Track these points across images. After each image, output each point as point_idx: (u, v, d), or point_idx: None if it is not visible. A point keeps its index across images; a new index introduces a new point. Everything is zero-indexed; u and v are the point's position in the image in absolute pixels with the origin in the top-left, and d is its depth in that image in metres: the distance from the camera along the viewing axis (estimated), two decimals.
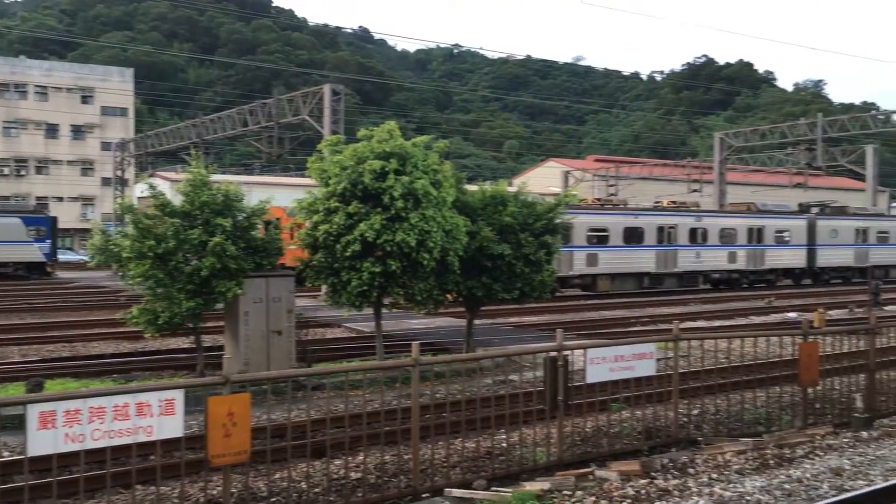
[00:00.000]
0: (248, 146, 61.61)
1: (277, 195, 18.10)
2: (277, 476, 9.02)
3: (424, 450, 9.05)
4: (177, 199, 14.06)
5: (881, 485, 8.26)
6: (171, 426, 6.83)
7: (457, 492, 8.50)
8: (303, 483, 8.74)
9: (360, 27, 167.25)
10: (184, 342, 18.63)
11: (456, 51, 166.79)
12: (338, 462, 9.42)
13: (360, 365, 13.29)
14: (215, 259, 13.06)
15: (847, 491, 8.10)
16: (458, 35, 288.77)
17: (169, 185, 31.34)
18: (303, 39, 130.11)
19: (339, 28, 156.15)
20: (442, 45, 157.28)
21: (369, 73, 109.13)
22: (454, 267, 14.50)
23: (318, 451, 9.37)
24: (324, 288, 14.96)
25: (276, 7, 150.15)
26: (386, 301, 15.43)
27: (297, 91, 40.99)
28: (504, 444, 9.94)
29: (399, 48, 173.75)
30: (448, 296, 15.81)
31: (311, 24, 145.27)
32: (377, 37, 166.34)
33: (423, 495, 8.58)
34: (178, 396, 6.85)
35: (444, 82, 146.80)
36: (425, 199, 13.61)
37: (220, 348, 15.63)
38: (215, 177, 14.63)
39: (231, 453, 7.01)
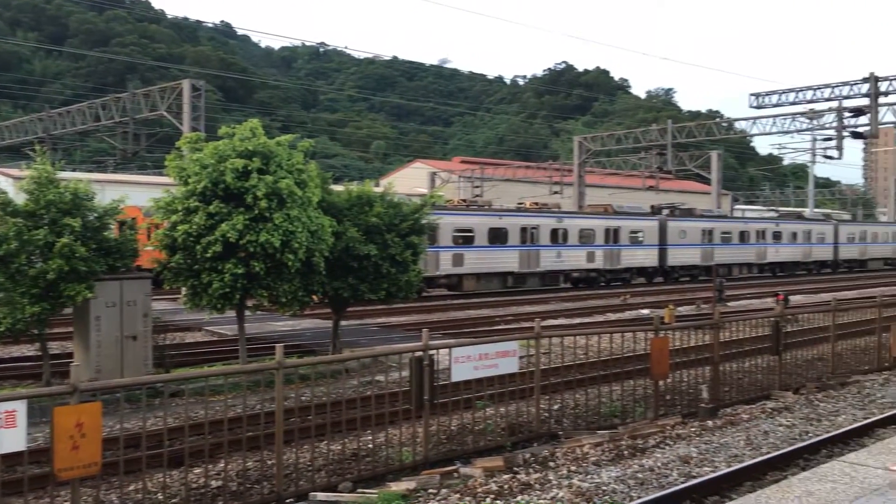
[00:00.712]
0: (100, 142, 58.77)
1: (133, 194, 17.36)
2: (132, 488, 8.63)
3: (289, 454, 8.90)
4: (20, 198, 13.21)
5: (725, 471, 8.82)
6: (13, 440, 6.43)
7: (322, 495, 8.41)
8: (159, 494, 8.40)
9: (223, 21, 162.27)
10: (28, 349, 17.57)
11: (322, 49, 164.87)
12: (197, 470, 9.12)
13: (221, 369, 12.89)
14: (63, 261, 12.34)
15: (694, 477, 8.60)
16: (324, 33, 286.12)
17: (11, 183, 29.43)
18: (160, 32, 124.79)
19: (199, 22, 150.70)
20: (307, 44, 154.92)
21: (232, 70, 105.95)
22: (320, 268, 14.34)
23: (177, 460, 9.02)
24: (183, 290, 14.44)
25: None
26: (249, 303, 15.07)
27: (154, 86, 39.42)
28: (370, 446, 9.91)
29: (263, 45, 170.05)
30: (314, 297, 15.62)
31: (169, 16, 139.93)
32: (240, 32, 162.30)
33: (288, 500, 8.44)
34: (20, 408, 6.45)
35: (309, 81, 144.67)
36: (290, 198, 13.40)
37: (70, 355, 14.79)
38: (64, 174, 13.86)
39: (80, 466, 6.66)
